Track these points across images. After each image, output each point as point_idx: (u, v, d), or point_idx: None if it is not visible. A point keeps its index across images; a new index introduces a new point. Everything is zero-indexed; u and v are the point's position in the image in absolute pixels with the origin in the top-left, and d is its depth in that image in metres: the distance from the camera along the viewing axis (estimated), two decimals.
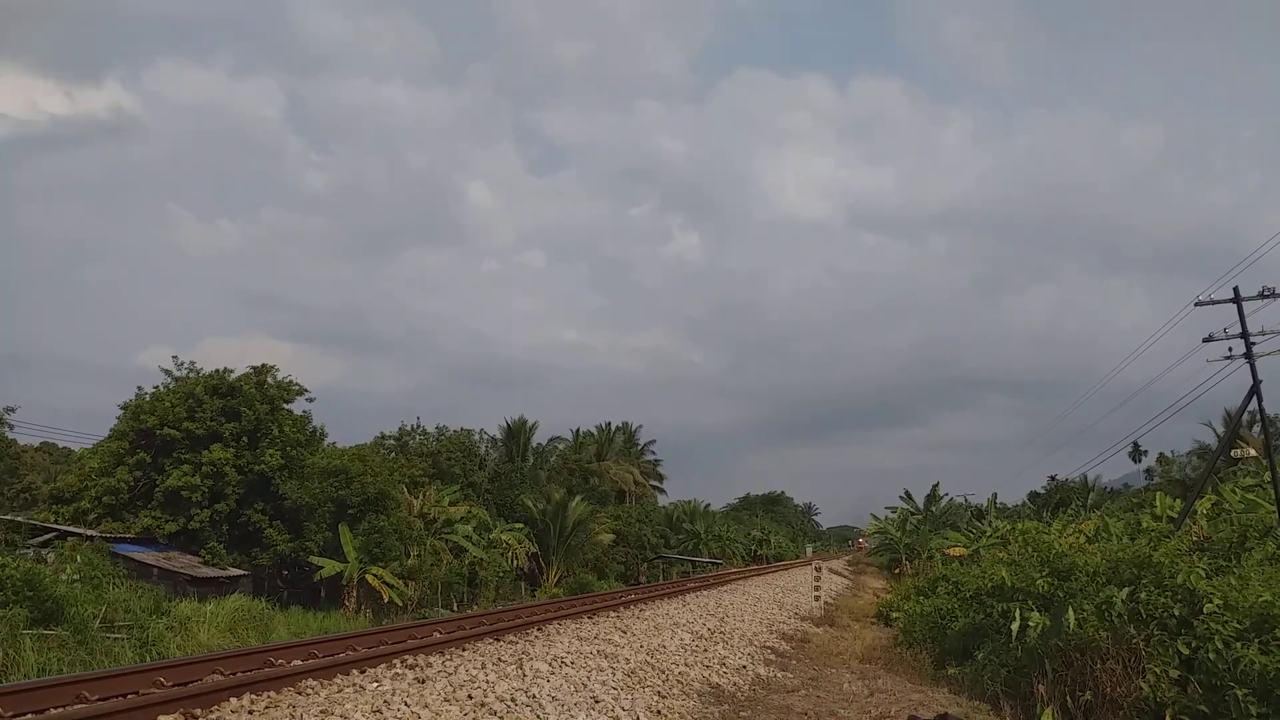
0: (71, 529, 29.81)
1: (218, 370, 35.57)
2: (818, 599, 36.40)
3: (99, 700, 9.41)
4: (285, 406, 36.44)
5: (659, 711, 11.70)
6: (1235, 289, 23.34)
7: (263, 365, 36.54)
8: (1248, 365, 23.19)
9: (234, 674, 10.99)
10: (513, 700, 10.19)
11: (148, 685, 10.30)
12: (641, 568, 64.12)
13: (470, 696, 10.05)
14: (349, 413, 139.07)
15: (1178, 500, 31.57)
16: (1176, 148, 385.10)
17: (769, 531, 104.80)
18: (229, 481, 32.55)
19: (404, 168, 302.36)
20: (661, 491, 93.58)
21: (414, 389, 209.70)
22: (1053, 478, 71.19)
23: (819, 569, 40.20)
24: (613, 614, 21.31)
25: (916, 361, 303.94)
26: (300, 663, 11.94)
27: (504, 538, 47.00)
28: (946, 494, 76.67)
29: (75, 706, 9.10)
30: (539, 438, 70.61)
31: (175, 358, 36.19)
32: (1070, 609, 15.32)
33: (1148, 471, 64.09)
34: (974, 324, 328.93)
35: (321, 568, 33.61)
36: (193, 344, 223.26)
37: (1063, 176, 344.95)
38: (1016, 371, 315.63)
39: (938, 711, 13.44)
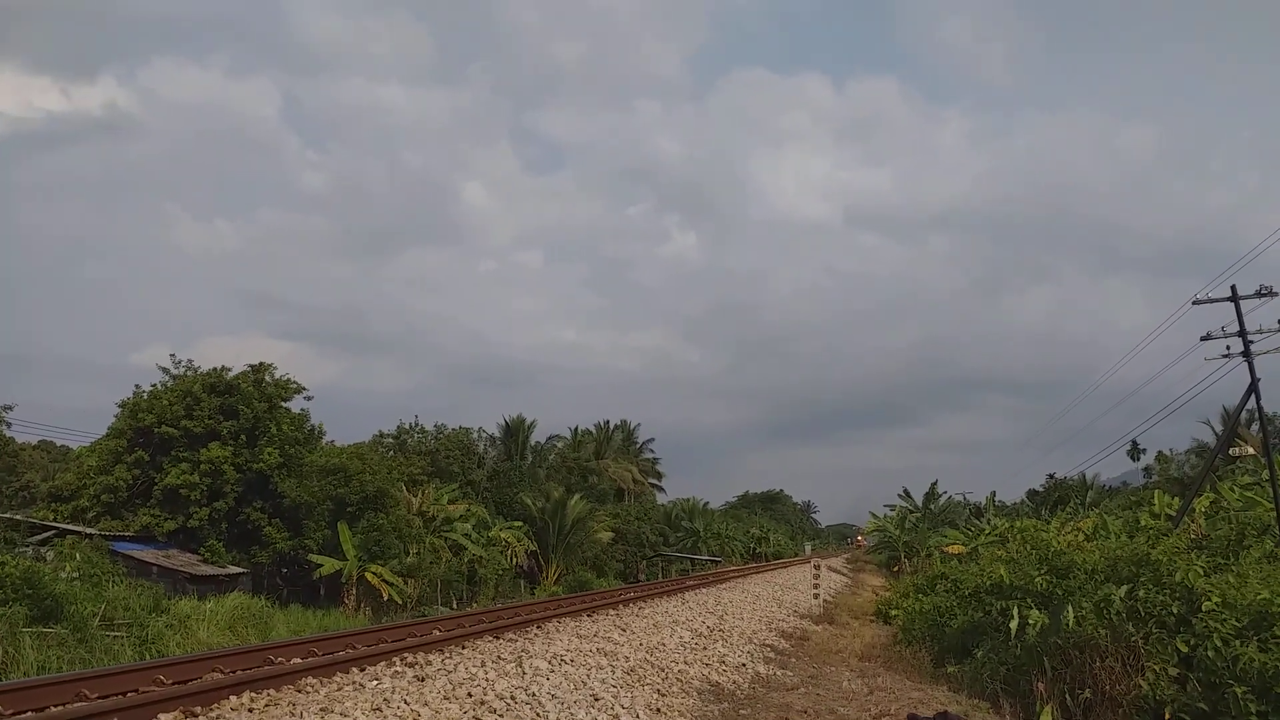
0: (71, 527, 29.80)
1: (216, 368, 35.56)
2: (816, 597, 36.42)
3: (99, 698, 9.41)
4: (283, 405, 36.41)
5: (659, 709, 11.71)
6: (1233, 287, 23.38)
7: (260, 363, 36.52)
8: (1246, 364, 23.22)
9: (234, 672, 10.99)
10: (512, 698, 10.19)
11: (147, 683, 10.30)
12: (640, 565, 64.15)
13: (470, 694, 10.05)
14: (347, 412, 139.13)
15: (1176, 498, 31.59)
16: (1175, 148, 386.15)
17: (768, 530, 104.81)
18: (227, 479, 32.54)
19: (402, 167, 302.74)
20: (660, 490, 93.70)
21: (412, 389, 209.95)
22: (1051, 476, 71.16)
23: (818, 567, 40.22)
24: (612, 612, 21.32)
25: (915, 362, 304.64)
26: (300, 661, 11.95)
27: (503, 536, 47.01)
28: (945, 492, 76.71)
29: (75, 704, 9.10)
30: (537, 436, 70.70)
31: (173, 356, 36.21)
32: (1069, 607, 15.33)
33: (1146, 470, 64.06)
34: (973, 324, 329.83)
35: (320, 566, 33.61)
36: (191, 343, 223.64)
37: (1061, 177, 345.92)
38: (1015, 371, 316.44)
39: (937, 709, 13.45)
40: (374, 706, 8.99)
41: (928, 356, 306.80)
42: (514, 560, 47.61)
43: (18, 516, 30.27)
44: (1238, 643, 13.35)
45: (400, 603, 33.97)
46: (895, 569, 63.52)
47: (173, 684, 10.22)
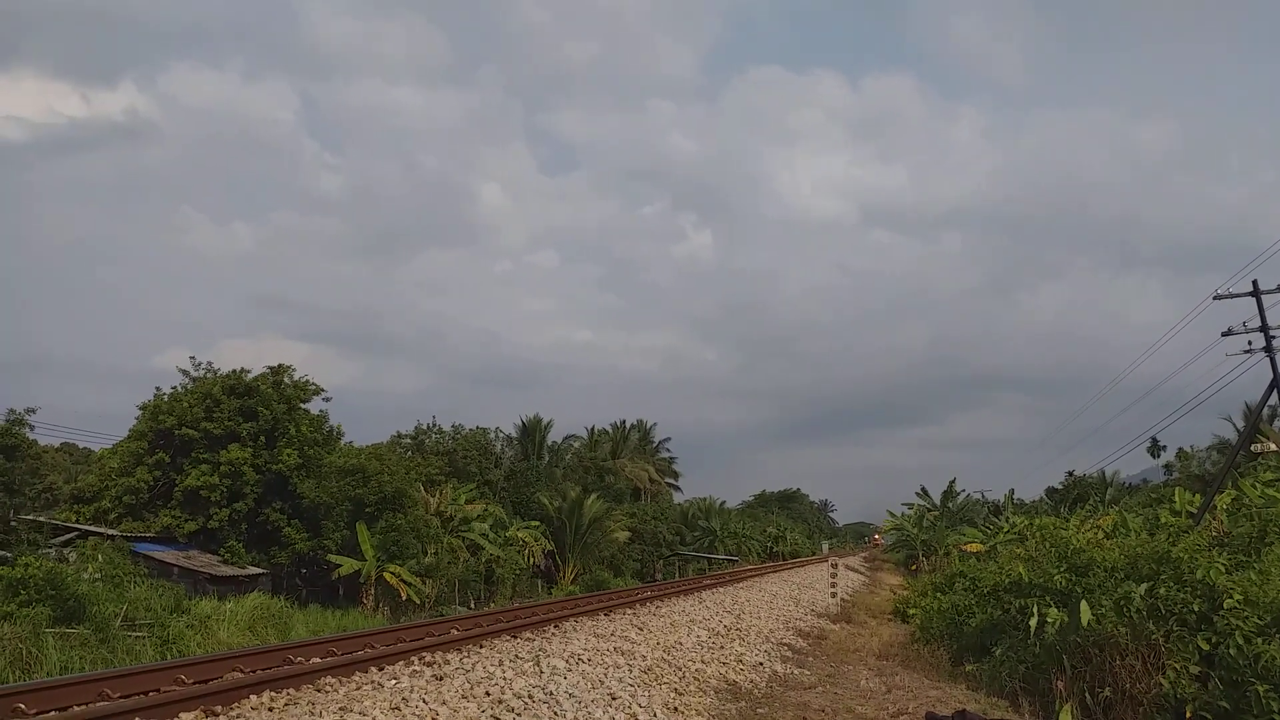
0: (93, 528, 30.06)
1: (235, 370, 35.78)
2: (834, 595, 36.34)
3: (121, 698, 9.51)
4: (302, 406, 36.61)
5: (676, 708, 11.71)
6: (1254, 282, 23.16)
7: (279, 365, 36.73)
8: (1268, 359, 22.99)
9: (254, 671, 11.08)
10: (530, 697, 10.22)
11: (169, 683, 10.40)
12: (657, 565, 64.13)
13: (488, 694, 10.09)
14: (364, 413, 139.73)
15: (1197, 495, 31.31)
16: (1191, 144, 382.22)
17: (785, 528, 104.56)
18: (247, 481, 32.75)
19: (416, 169, 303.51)
20: (677, 489, 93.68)
21: (428, 389, 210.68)
22: (1070, 473, 70.57)
23: (835, 565, 40.16)
24: (629, 611, 21.33)
25: (930, 359, 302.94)
26: (319, 660, 12.03)
27: (520, 535, 47.10)
28: (963, 490, 76.34)
29: (98, 704, 9.19)
30: (554, 436, 70.80)
31: (193, 358, 36.44)
32: (1085, 604, 15.21)
33: (1166, 467, 63.42)
34: (987, 321, 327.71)
35: (339, 566, 33.76)
36: (209, 346, 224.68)
37: (1076, 173, 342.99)
38: (1030, 369, 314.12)
39: (955, 708, 13.40)
40: (393, 705, 9.04)
41: (942, 354, 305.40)
42: (531, 560, 47.70)
43: (41, 518, 30.55)
44: (1260, 640, 13.21)
45: (418, 602, 34.08)
46: (913, 567, 63.24)
47: (194, 683, 10.31)
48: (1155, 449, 64.38)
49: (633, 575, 57.98)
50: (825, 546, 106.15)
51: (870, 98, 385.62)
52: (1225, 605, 13.99)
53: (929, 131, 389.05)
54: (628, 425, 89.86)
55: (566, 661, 12.70)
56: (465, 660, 12.08)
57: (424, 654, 12.55)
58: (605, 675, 12.33)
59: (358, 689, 9.90)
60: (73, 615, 18.45)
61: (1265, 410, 30.18)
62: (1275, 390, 23.32)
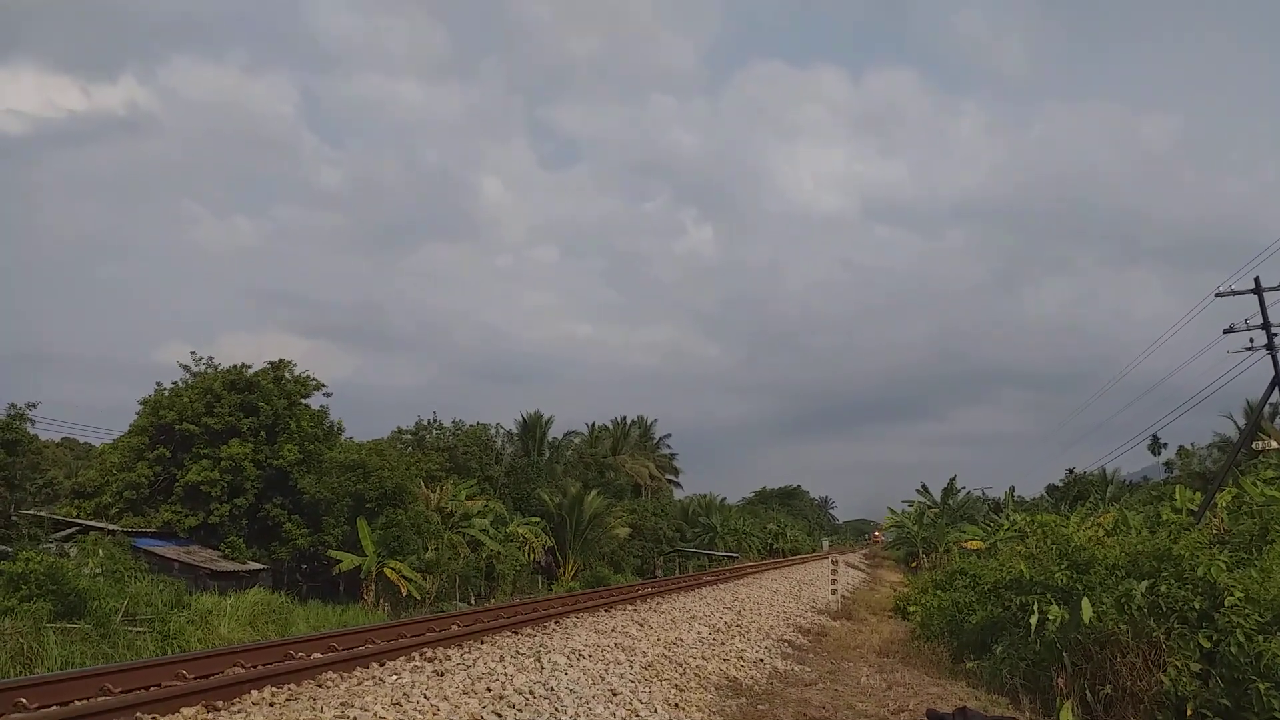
0: (93, 523, 30.10)
1: (236, 366, 35.83)
2: (834, 592, 36.36)
3: (122, 692, 9.51)
4: (303, 401, 36.64)
5: (676, 704, 11.71)
6: (1256, 279, 23.13)
7: (280, 360, 36.76)
8: (1269, 356, 22.98)
9: (254, 666, 11.07)
10: (531, 693, 10.22)
11: (170, 678, 10.39)
12: (658, 561, 64.18)
13: (489, 689, 10.09)
14: (365, 408, 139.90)
15: (1198, 493, 31.29)
16: (1195, 139, 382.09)
17: (785, 525, 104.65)
18: (248, 476, 32.77)
19: (418, 163, 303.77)
20: (677, 485, 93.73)
21: (429, 384, 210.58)
22: (1071, 470, 70.56)
23: (836, 562, 40.17)
24: (629, 607, 21.34)
25: (932, 355, 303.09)
26: (320, 655, 12.03)
27: (521, 531, 47.15)
28: (963, 487, 76.30)
29: (99, 699, 9.19)
30: (555, 432, 70.83)
31: (194, 353, 36.47)
32: (1085, 602, 15.21)
33: (1167, 464, 63.36)
34: (990, 317, 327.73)
35: (340, 561, 33.80)
36: (210, 340, 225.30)
37: (1080, 168, 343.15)
38: (1033, 364, 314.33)
39: (956, 705, 13.40)
40: (394, 701, 9.03)
41: (945, 349, 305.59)
42: (531, 556, 47.74)
43: (42, 513, 30.57)
44: (1261, 638, 13.20)
45: (419, 598, 34.12)
46: (913, 564, 63.28)
47: (195, 679, 10.31)
48: (1156, 446, 64.26)
49: (633, 572, 58.04)
50: (826, 543, 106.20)
51: (872, 92, 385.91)
52: (1226, 603, 13.99)
53: (931, 126, 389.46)
54: (628, 421, 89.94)
55: (567, 657, 12.69)
56: (466, 656, 12.08)
57: (425, 650, 12.55)
58: (606, 671, 12.33)
59: (359, 684, 9.90)
60: (73, 610, 18.48)
61: (1266, 408, 30.16)
62: (1277, 387, 23.30)
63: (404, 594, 33.58)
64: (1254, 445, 30.42)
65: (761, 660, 16.70)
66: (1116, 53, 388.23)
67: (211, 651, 13.30)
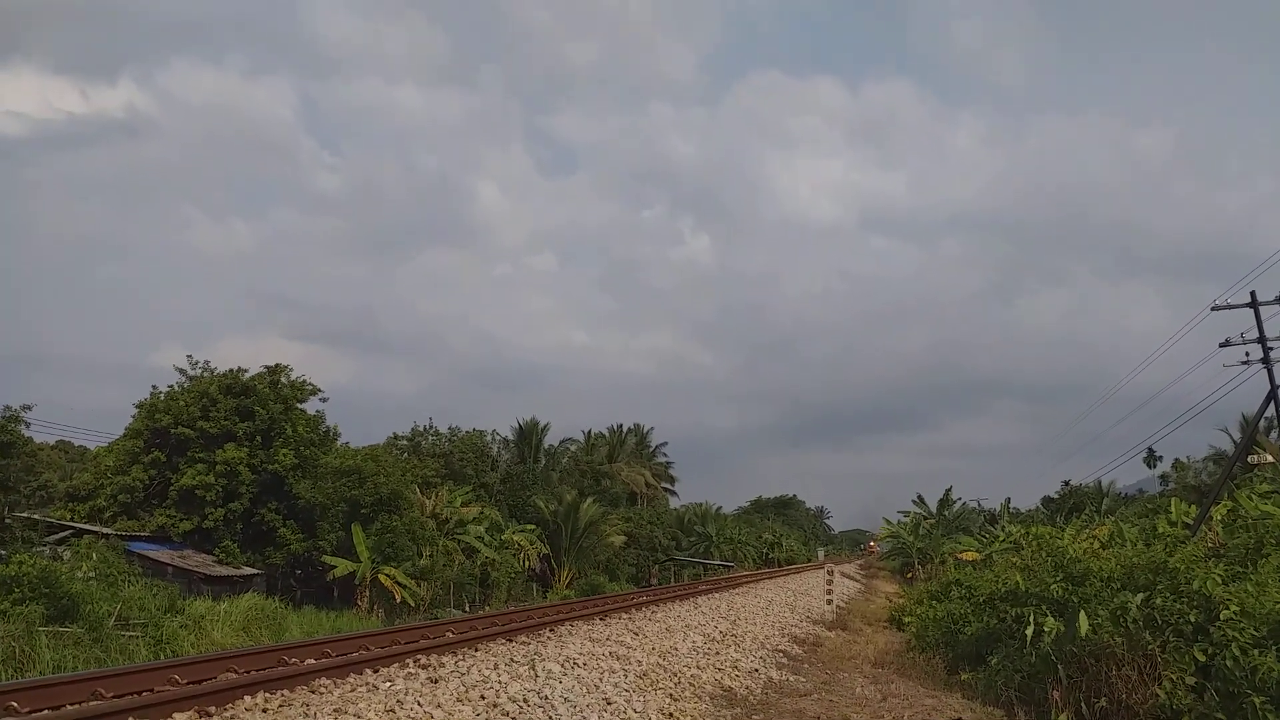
0: (87, 527, 30.02)
1: (232, 370, 35.78)
2: (830, 602, 36.32)
3: (114, 697, 9.46)
4: (299, 406, 36.59)
5: (671, 714, 11.68)
6: (1252, 293, 23.20)
7: (276, 365, 36.73)
8: (1265, 370, 23.03)
9: (248, 672, 11.02)
10: (525, 701, 10.19)
11: (162, 683, 10.35)
12: (653, 570, 64.09)
13: (483, 697, 10.06)
14: (361, 413, 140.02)
15: (1193, 506, 31.31)
16: (1191, 151, 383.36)
17: (781, 534, 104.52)
18: (243, 481, 32.71)
19: (416, 169, 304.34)
20: (673, 494, 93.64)
21: (425, 390, 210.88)
22: (1066, 483, 70.67)
23: (831, 572, 40.14)
24: (624, 616, 21.29)
25: (928, 365, 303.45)
26: (314, 661, 11.97)
27: (516, 539, 47.08)
28: (959, 498, 76.45)
29: (90, 703, 9.14)
30: (551, 439, 70.80)
31: (190, 357, 36.43)
32: (1082, 614, 15.21)
33: (1163, 477, 63.48)
34: (986, 328, 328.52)
35: (334, 567, 33.73)
36: (206, 344, 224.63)
37: (1076, 179, 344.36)
38: (1029, 376, 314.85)
39: (951, 717, 13.40)
40: (387, 708, 9.00)
41: (941, 360, 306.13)
42: (526, 563, 47.65)
43: (35, 516, 30.46)
44: (1256, 652, 13.20)
45: (413, 605, 34.04)
46: (909, 575, 63.27)
47: (187, 684, 10.26)
48: (1152, 459, 64.39)
49: (628, 580, 57.91)
50: (821, 553, 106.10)
51: (869, 103, 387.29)
52: (1222, 616, 13.99)
53: (929, 137, 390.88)
54: (625, 429, 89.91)
55: (562, 666, 12.66)
56: (460, 663, 12.05)
57: (419, 656, 12.50)
58: (600, 680, 12.30)
59: (352, 691, 9.87)
60: (66, 614, 18.40)
61: (1262, 422, 30.20)
62: (1272, 401, 23.35)
63: (398, 600, 33.50)
64: (1249, 459, 30.44)
65: (756, 670, 16.66)
66: (1112, 66, 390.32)
67: (204, 656, 13.24)
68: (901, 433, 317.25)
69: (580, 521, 52.24)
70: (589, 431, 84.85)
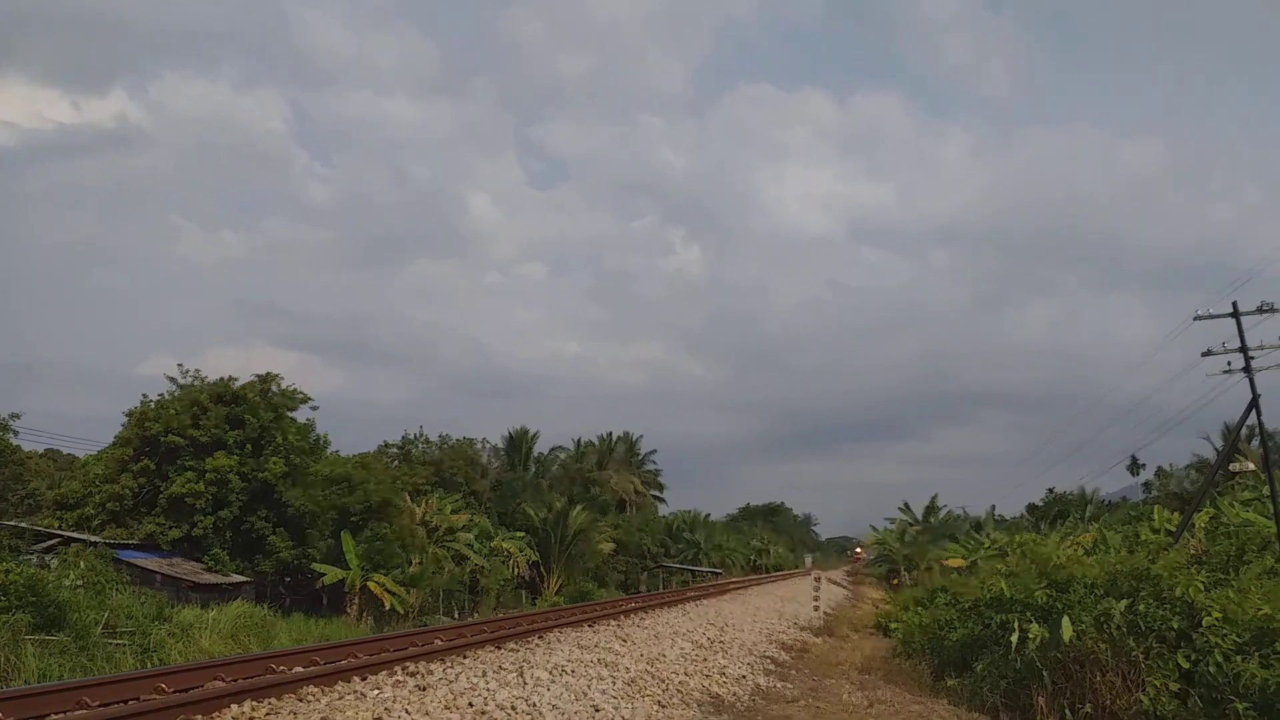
0: (75, 535, 29.86)
1: (223, 378, 35.67)
2: (817, 609, 36.42)
3: (100, 706, 9.47)
4: (289, 415, 36.51)
5: None
6: (1234, 304, 23.42)
7: (267, 373, 36.62)
8: (1247, 379, 23.25)
9: (235, 680, 11.04)
10: (513, 708, 10.24)
11: (149, 691, 10.36)
12: (642, 577, 64.11)
13: (471, 704, 10.11)
14: (351, 422, 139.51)
15: (1176, 513, 31.56)
16: (1178, 164, 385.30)
17: (768, 541, 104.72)
18: (232, 489, 32.61)
19: (407, 179, 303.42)
20: (662, 501, 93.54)
21: (416, 399, 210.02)
22: (1051, 490, 71.08)
23: (818, 579, 40.24)
24: (613, 622, 21.34)
25: (916, 375, 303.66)
26: (302, 669, 11.99)
27: (505, 546, 47.05)
28: (945, 506, 76.73)
29: (76, 713, 9.16)
30: (540, 447, 70.76)
31: (180, 365, 36.35)
32: (1066, 620, 15.32)
33: (1146, 484, 63.94)
34: (974, 338, 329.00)
35: (324, 575, 33.66)
36: (196, 353, 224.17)
37: (1064, 191, 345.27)
38: (1016, 385, 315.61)
39: None
40: (375, 716, 9.05)
41: (928, 370, 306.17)
42: (516, 570, 47.63)
43: (23, 524, 30.36)
44: (1239, 658, 13.31)
45: (402, 612, 33.98)
46: (895, 582, 63.44)
47: (174, 692, 10.28)
48: (1135, 467, 64.92)
49: (617, 587, 57.92)
50: (808, 560, 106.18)
51: (858, 115, 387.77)
52: (1204, 623, 14.11)
53: (917, 149, 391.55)
54: (614, 437, 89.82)
55: (550, 673, 12.72)
56: (449, 671, 12.09)
57: (407, 664, 12.54)
58: (589, 687, 12.35)
59: (340, 699, 9.91)
60: (53, 622, 18.32)
61: (1244, 430, 30.46)
62: (1254, 410, 23.57)
63: (387, 608, 33.45)
64: (1231, 467, 30.70)
65: (744, 677, 16.73)
66: (1099, 78, 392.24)
67: (192, 665, 13.25)
68: (889, 441, 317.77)
69: (569, 529, 52.25)
70: (579, 439, 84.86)
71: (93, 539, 29.47)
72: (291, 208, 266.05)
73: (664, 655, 16.72)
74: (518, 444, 67.44)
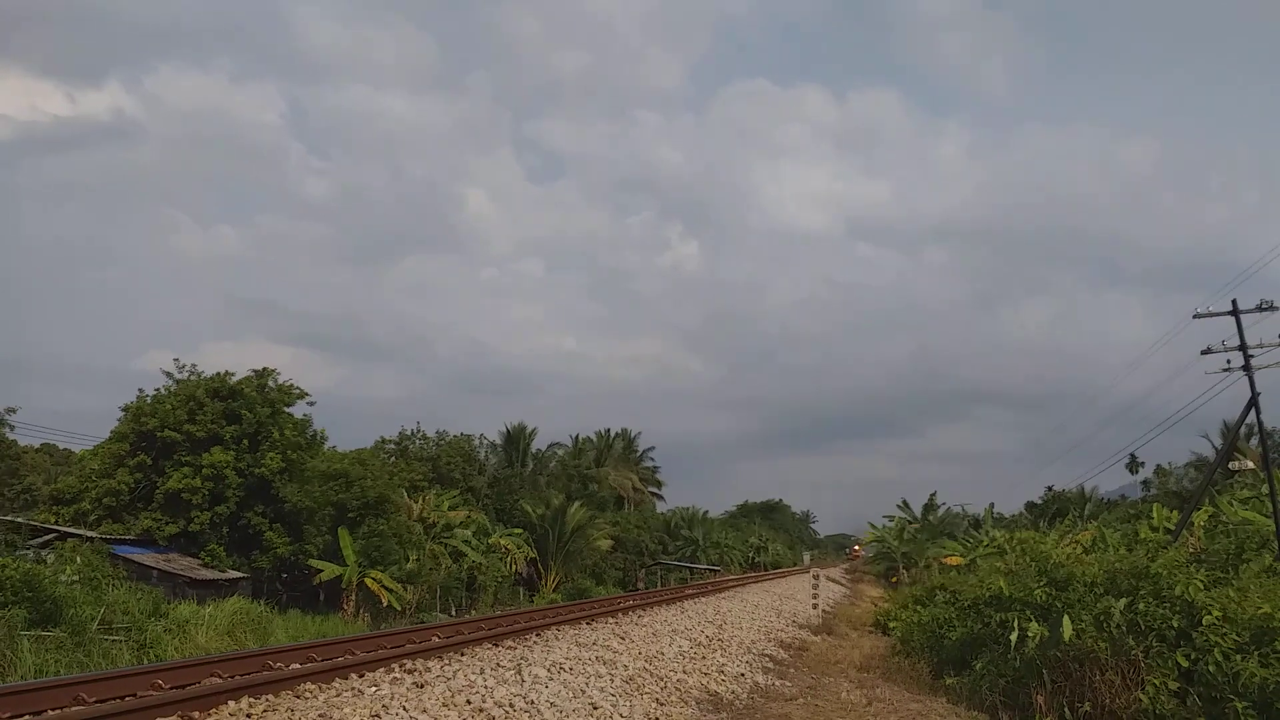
0: (71, 530, 29.79)
1: (219, 373, 35.58)
2: (815, 607, 36.41)
3: (96, 702, 9.42)
4: (286, 410, 36.44)
5: (657, 718, 11.71)
6: (1233, 301, 23.36)
7: (264, 369, 36.57)
8: (1246, 377, 23.21)
9: (232, 677, 10.99)
10: (511, 706, 10.20)
11: (146, 687, 10.31)
12: (640, 574, 64.08)
13: (469, 702, 10.06)
14: (348, 419, 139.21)
15: (1175, 512, 31.56)
16: (1175, 164, 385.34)
17: (767, 539, 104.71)
18: (229, 484, 32.55)
19: (404, 175, 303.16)
20: (660, 498, 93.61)
21: (413, 395, 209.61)
22: (1049, 488, 71.11)
23: (817, 577, 40.23)
24: (611, 620, 21.31)
25: (913, 373, 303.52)
26: (298, 666, 11.95)
27: (503, 543, 47.00)
28: (944, 504, 76.67)
29: (73, 708, 9.11)
30: (538, 443, 70.70)
31: (176, 360, 36.21)
32: (1065, 619, 15.29)
33: (1145, 483, 64.02)
34: (971, 336, 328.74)
35: (321, 571, 33.62)
36: (192, 348, 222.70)
37: (1061, 190, 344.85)
38: (1013, 384, 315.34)
39: None
40: (372, 713, 9.00)
41: (925, 368, 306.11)
42: (513, 567, 47.57)
43: (19, 519, 30.25)
44: (1238, 657, 13.30)
45: (399, 609, 33.95)
46: (894, 580, 63.47)
47: (171, 688, 10.23)
48: (1134, 465, 64.97)
49: (615, 584, 57.90)
50: (807, 557, 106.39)
51: (856, 112, 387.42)
52: (1204, 622, 14.09)
53: (915, 146, 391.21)
54: (612, 434, 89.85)
55: (548, 670, 12.67)
56: (446, 668, 12.04)
57: (405, 661, 12.49)
58: (587, 684, 12.31)
59: (337, 695, 9.86)
60: (49, 618, 18.27)
61: (1243, 428, 30.44)
62: (1253, 409, 23.54)
63: (384, 604, 33.41)
64: (1230, 465, 30.71)
65: (742, 675, 16.69)
66: (1098, 78, 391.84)
67: (188, 661, 13.19)
68: (886, 439, 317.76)
69: (567, 525, 52.22)
70: (576, 436, 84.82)
71: (89, 534, 29.40)
72: (288, 202, 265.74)
73: (662, 653, 16.68)
74: (515, 440, 67.38)
